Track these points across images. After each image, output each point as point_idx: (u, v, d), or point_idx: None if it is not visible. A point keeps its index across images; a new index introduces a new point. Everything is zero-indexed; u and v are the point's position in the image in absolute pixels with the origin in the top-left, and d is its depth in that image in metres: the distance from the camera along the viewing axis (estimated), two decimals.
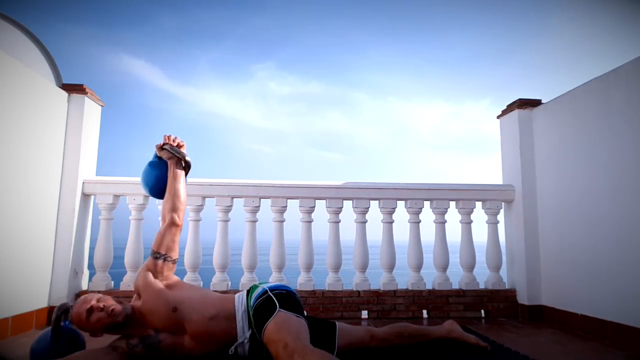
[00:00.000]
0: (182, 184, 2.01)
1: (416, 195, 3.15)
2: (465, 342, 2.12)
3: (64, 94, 2.83)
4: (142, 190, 2.95)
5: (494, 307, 3.06)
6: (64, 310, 1.69)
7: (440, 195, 3.15)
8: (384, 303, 2.97)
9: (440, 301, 3.02)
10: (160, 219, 2.25)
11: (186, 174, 2.08)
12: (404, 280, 3.13)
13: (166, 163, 2.03)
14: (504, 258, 3.18)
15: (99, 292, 2.82)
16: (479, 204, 3.25)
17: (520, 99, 3.14)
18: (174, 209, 1.94)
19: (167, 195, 1.97)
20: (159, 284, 1.79)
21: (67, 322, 1.75)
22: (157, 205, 2.97)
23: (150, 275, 1.81)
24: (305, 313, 1.85)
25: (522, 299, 3.03)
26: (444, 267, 3.16)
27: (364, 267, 3.10)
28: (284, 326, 1.59)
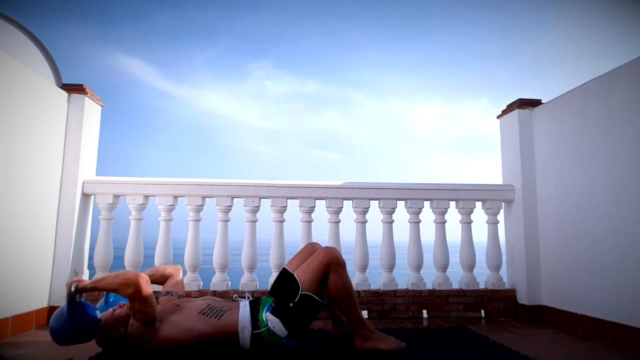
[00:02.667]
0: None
1: (416, 195, 3.15)
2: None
3: (64, 94, 2.83)
4: (141, 191, 2.96)
5: (494, 307, 3.06)
6: (77, 287, 1.76)
7: (440, 195, 3.15)
8: (384, 303, 2.97)
9: (440, 301, 3.03)
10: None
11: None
12: (404, 280, 3.13)
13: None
14: (504, 258, 3.18)
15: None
16: (479, 204, 3.24)
17: (520, 99, 3.14)
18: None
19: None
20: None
21: (83, 299, 1.85)
22: (157, 205, 2.98)
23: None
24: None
25: (522, 299, 3.03)
26: (444, 267, 3.16)
27: (364, 267, 3.10)
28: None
